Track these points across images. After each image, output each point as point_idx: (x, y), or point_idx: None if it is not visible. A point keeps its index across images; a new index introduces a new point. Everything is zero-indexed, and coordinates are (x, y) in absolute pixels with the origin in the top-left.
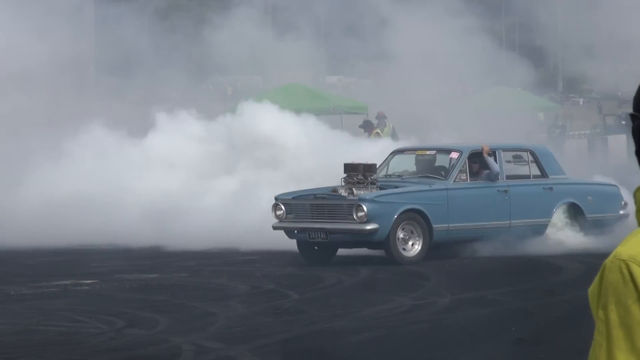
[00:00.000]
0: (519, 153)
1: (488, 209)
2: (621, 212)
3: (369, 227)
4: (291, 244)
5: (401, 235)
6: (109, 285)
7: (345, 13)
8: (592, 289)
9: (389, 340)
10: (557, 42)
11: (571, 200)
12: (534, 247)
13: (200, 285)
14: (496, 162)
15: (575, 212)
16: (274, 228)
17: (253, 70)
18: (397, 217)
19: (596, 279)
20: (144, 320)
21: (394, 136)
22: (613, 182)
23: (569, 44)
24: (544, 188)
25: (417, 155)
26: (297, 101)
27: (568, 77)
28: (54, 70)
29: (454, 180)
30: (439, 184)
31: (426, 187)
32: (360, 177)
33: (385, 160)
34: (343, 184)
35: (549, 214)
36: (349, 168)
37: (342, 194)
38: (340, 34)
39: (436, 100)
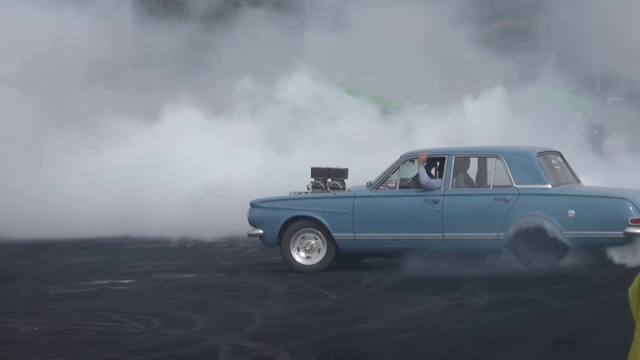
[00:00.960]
0: (485, 159)
1: (411, 220)
2: (627, 230)
3: (254, 232)
4: None
5: (299, 244)
6: (146, 285)
7: None
8: (632, 289)
9: (425, 341)
10: (594, 41)
11: (536, 213)
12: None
13: (237, 285)
14: (440, 170)
15: (543, 230)
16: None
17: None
18: (286, 223)
19: (636, 279)
20: (182, 320)
21: None
22: (620, 195)
23: (606, 42)
24: (495, 199)
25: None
26: None
27: (606, 77)
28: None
29: (378, 188)
30: (350, 192)
31: (329, 195)
32: (318, 181)
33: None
34: (309, 188)
35: (501, 228)
36: (316, 172)
37: None
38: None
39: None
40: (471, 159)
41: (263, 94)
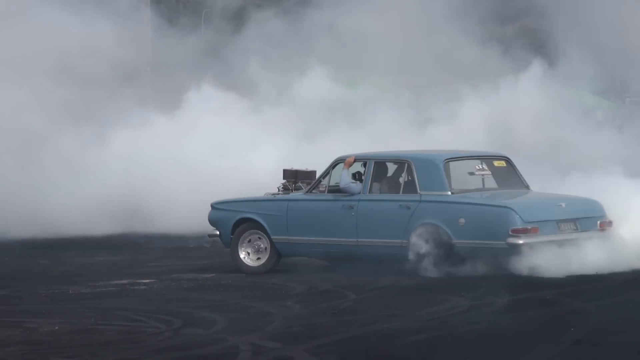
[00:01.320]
0: (398, 164)
1: (331, 225)
2: (509, 240)
3: (213, 233)
4: None
5: (250, 245)
6: (166, 284)
7: None
8: None
9: (446, 341)
10: (615, 40)
11: (432, 221)
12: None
13: (257, 285)
14: (363, 173)
15: (440, 237)
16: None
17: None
18: (234, 224)
19: None
20: (202, 320)
21: None
22: (504, 204)
23: (627, 42)
24: (400, 206)
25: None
26: None
27: (627, 76)
28: (114, 68)
29: (311, 191)
30: (286, 195)
31: (268, 198)
32: (287, 183)
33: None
34: (280, 189)
35: (405, 235)
36: (287, 174)
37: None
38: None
39: None
40: (388, 164)
41: (284, 88)
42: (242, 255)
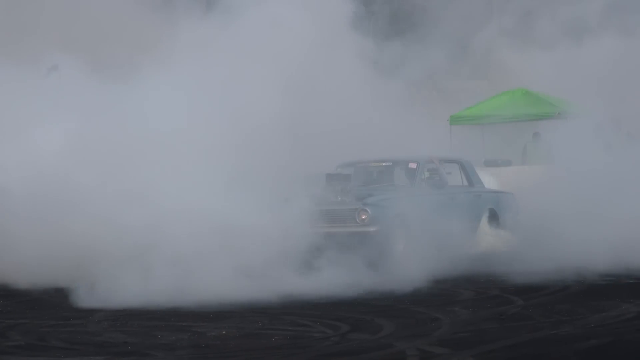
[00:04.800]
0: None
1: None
2: (518, 217)
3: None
4: None
5: None
6: (332, 289)
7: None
8: None
9: (614, 348)
10: None
11: (492, 207)
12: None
13: (424, 290)
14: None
15: (494, 217)
16: None
17: (477, 74)
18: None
19: None
20: (368, 325)
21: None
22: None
23: None
24: (474, 196)
25: (370, 166)
26: (520, 106)
27: None
28: None
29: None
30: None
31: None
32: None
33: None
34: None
35: (478, 219)
36: (332, 178)
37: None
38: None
39: None
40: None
41: None
42: None
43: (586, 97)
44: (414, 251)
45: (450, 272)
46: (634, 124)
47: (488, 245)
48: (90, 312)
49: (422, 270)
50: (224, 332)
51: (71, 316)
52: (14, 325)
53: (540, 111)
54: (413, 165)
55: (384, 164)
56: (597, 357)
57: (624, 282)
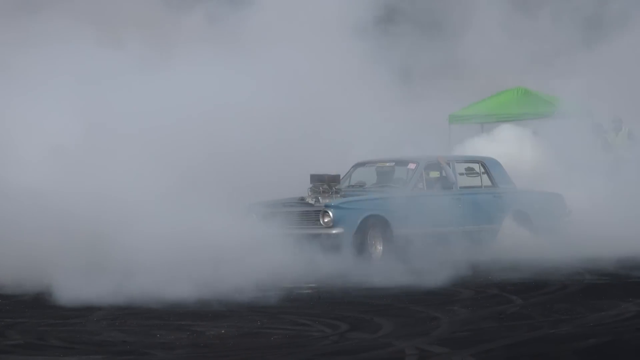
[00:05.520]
0: (471, 164)
1: (444, 215)
2: (566, 219)
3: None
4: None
5: None
6: (332, 288)
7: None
8: None
9: (614, 347)
10: None
11: (519, 208)
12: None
13: (423, 289)
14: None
15: (524, 220)
16: None
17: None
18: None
19: None
20: (368, 324)
21: (631, 139)
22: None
23: None
24: (494, 196)
25: (377, 167)
26: (519, 105)
27: None
28: None
29: (412, 189)
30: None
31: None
32: (325, 186)
33: (348, 172)
34: (310, 193)
35: (499, 221)
36: (315, 178)
37: (309, 202)
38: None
39: None
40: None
41: None
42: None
43: (589, 97)
44: (397, 254)
45: (434, 278)
46: (636, 123)
47: (512, 248)
48: (90, 311)
49: (401, 273)
50: (223, 331)
51: (70, 315)
52: (13, 324)
53: (539, 110)
54: (412, 166)
55: (387, 165)
56: (596, 356)
57: (623, 281)
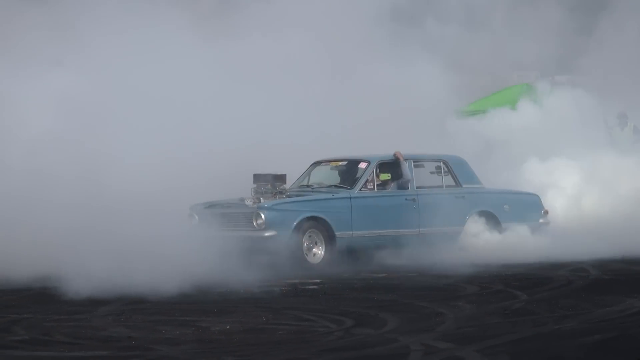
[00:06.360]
0: (433, 163)
1: (395, 217)
2: (541, 220)
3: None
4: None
5: None
6: (336, 284)
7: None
8: None
9: (619, 343)
10: None
11: (485, 208)
12: (447, 255)
13: (428, 285)
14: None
15: (491, 221)
16: None
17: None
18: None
19: None
20: (372, 320)
21: (637, 134)
22: (533, 192)
23: None
24: (456, 197)
25: (331, 166)
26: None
27: None
28: None
29: (360, 190)
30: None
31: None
32: (268, 186)
33: (306, 171)
34: (253, 193)
35: (461, 222)
36: (259, 178)
37: (246, 203)
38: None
39: None
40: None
41: None
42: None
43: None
44: (338, 255)
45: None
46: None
47: (474, 249)
48: (95, 307)
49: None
50: (228, 327)
51: (75, 310)
52: (18, 319)
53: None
54: (362, 165)
55: (340, 164)
56: (601, 351)
57: (628, 276)
